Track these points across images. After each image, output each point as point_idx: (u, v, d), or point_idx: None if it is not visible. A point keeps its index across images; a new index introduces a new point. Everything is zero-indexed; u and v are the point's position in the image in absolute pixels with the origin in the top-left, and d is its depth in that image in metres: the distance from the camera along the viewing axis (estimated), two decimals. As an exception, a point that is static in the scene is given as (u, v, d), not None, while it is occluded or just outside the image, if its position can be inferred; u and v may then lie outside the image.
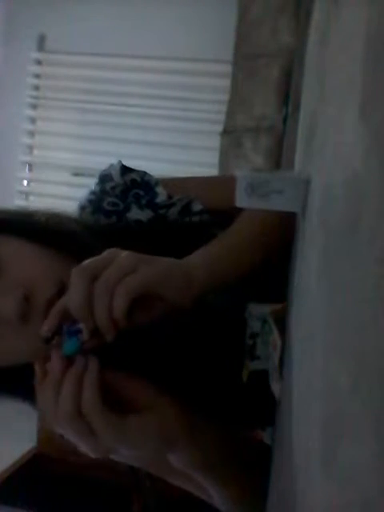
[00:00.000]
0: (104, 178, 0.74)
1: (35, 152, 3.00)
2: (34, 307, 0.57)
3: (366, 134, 0.25)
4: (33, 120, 2.98)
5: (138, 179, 0.73)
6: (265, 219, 0.67)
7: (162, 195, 0.72)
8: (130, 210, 0.72)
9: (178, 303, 0.55)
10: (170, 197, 0.72)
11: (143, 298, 0.53)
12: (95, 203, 0.73)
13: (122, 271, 0.52)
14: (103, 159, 2.83)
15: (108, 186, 0.73)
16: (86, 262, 0.53)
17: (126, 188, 0.72)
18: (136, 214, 0.72)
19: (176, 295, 0.54)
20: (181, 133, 2.79)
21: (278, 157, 2.21)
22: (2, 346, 0.58)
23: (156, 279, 0.53)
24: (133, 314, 0.53)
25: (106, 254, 0.54)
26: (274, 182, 0.57)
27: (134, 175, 0.73)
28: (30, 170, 3.01)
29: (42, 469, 2.64)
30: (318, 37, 0.63)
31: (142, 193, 0.72)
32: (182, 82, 2.76)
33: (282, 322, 0.67)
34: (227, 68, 2.50)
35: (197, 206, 0.72)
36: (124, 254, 0.54)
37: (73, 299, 0.52)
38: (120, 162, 0.75)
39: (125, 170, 0.74)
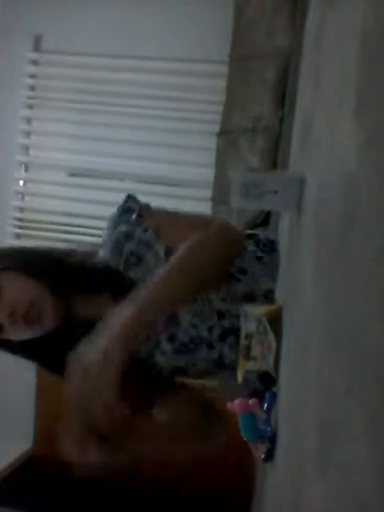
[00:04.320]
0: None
1: (31, 152, 2.99)
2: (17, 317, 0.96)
3: (361, 134, 0.25)
4: (29, 120, 2.97)
5: (133, 206, 1.05)
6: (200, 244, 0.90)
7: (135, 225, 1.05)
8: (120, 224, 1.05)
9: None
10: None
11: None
12: (122, 214, 1.06)
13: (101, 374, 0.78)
14: (99, 159, 2.85)
15: (125, 205, 1.06)
16: (78, 361, 0.80)
17: (124, 211, 1.05)
18: (121, 226, 1.04)
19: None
20: (177, 133, 2.78)
21: (275, 157, 2.20)
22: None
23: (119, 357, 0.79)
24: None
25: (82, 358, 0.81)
26: (268, 182, 0.57)
27: (131, 203, 1.05)
28: (26, 170, 3.00)
29: (39, 470, 2.64)
30: (313, 37, 0.63)
31: (128, 220, 1.06)
32: (178, 82, 2.76)
33: (276, 323, 0.67)
34: (223, 69, 2.50)
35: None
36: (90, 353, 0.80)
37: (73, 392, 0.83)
38: (130, 195, 1.07)
39: (128, 198, 1.06)
